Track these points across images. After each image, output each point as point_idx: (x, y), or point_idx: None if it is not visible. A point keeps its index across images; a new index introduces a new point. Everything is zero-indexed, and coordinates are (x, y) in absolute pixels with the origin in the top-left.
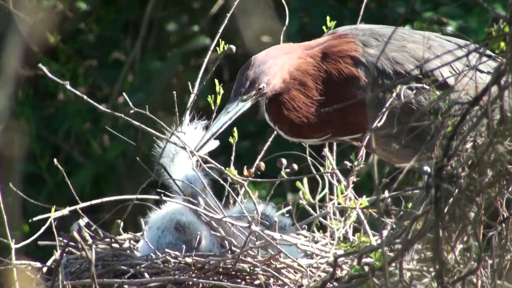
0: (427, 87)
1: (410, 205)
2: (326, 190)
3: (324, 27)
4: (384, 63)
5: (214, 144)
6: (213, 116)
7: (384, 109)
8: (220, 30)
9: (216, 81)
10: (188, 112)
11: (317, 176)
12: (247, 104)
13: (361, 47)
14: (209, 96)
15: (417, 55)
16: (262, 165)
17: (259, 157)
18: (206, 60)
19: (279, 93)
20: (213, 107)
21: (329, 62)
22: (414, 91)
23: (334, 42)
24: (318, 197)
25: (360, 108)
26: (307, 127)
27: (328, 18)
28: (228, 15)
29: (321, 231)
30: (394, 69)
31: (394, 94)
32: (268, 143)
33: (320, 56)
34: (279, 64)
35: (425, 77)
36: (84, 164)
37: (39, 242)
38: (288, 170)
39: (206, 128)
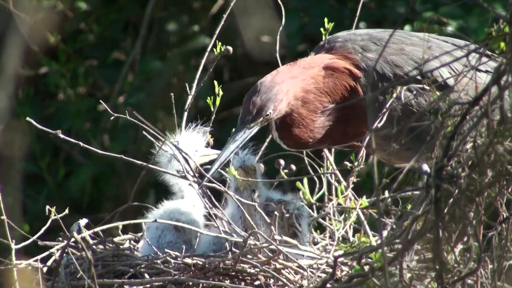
0: (427, 87)
1: (409, 206)
2: (324, 188)
3: (322, 29)
4: (384, 67)
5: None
6: (212, 117)
7: (384, 110)
8: (218, 30)
9: (216, 82)
10: (186, 114)
11: (316, 177)
12: (254, 130)
13: (359, 57)
14: (209, 98)
15: (416, 57)
16: (262, 166)
17: (257, 157)
18: (203, 60)
19: (286, 114)
20: (212, 109)
21: (329, 79)
22: (414, 92)
23: (332, 61)
24: (316, 196)
25: (361, 120)
26: (311, 140)
27: (326, 20)
28: (225, 15)
29: (318, 231)
30: (394, 72)
31: (394, 95)
32: (266, 143)
33: (321, 75)
34: (285, 89)
35: (425, 78)
36: (84, 164)
37: (39, 242)
38: (286, 170)
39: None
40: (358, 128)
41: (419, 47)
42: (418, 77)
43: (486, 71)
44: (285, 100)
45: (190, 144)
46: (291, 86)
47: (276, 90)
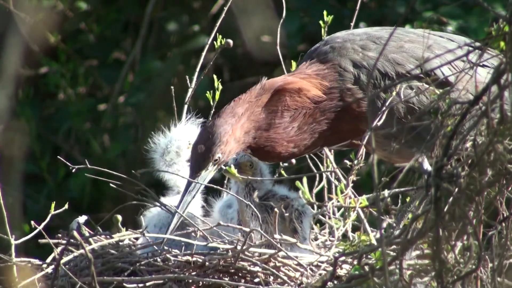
0: (426, 86)
1: (408, 199)
2: (324, 186)
3: (321, 22)
4: (385, 65)
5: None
6: (211, 112)
7: (384, 108)
8: (217, 25)
9: (215, 76)
10: (186, 107)
11: (317, 175)
12: (209, 177)
13: (360, 56)
14: (208, 92)
15: (416, 55)
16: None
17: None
18: (203, 54)
19: (247, 145)
20: (211, 103)
21: (284, 100)
22: (414, 90)
23: (283, 84)
24: (315, 190)
25: (355, 116)
26: (297, 149)
27: (325, 12)
28: (224, 12)
29: (317, 224)
30: (396, 70)
31: (394, 93)
32: None
33: (272, 99)
34: (229, 130)
35: (426, 76)
36: (84, 164)
37: (39, 240)
38: (286, 164)
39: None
40: (352, 124)
41: (418, 43)
42: (421, 75)
43: (484, 65)
44: (232, 141)
45: (184, 136)
46: (235, 125)
47: (219, 133)
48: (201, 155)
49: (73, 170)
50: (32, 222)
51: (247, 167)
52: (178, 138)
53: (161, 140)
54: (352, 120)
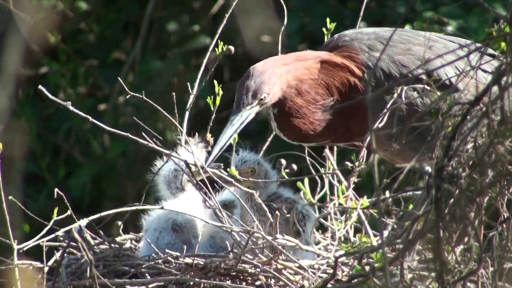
0: (429, 88)
1: (411, 206)
2: (326, 188)
3: (324, 29)
4: (391, 66)
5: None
6: (212, 117)
7: (385, 110)
8: (219, 30)
9: (215, 82)
10: (187, 113)
11: (317, 177)
12: (251, 115)
13: (366, 56)
14: (209, 98)
15: (422, 58)
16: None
17: (258, 156)
18: (205, 60)
19: (281, 102)
20: (212, 108)
21: (325, 73)
22: (416, 91)
23: (329, 56)
24: (317, 196)
25: (366, 118)
26: (312, 132)
27: (328, 20)
28: (227, 15)
29: (320, 231)
30: (401, 72)
31: (395, 95)
32: (268, 143)
33: (316, 67)
34: (278, 73)
35: (430, 77)
36: (84, 164)
37: (40, 243)
38: (288, 170)
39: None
40: (362, 126)
41: (425, 46)
42: (424, 76)
43: (485, 71)
44: (278, 84)
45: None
46: (284, 72)
47: (269, 73)
48: (250, 91)
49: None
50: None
51: (248, 174)
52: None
53: (163, 167)
54: (362, 122)
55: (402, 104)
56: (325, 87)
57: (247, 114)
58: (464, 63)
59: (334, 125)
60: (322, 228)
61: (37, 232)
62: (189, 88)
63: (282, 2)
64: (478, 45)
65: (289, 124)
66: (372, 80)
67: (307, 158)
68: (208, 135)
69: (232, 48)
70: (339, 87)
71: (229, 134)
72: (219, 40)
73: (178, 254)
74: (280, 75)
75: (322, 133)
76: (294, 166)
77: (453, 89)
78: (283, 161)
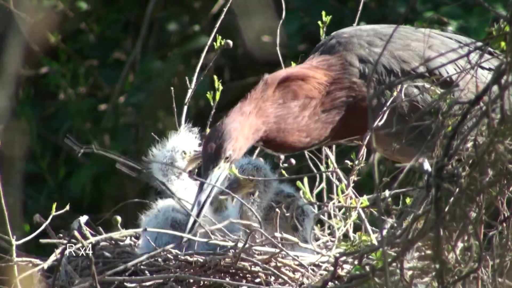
0: (428, 85)
1: (408, 200)
2: (323, 184)
3: (319, 22)
4: (391, 62)
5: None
6: (212, 112)
7: (385, 108)
8: (217, 25)
9: (215, 77)
10: (185, 108)
11: (317, 175)
12: (222, 175)
13: (366, 52)
14: (208, 92)
15: (421, 54)
16: (261, 160)
17: (256, 152)
18: (203, 54)
19: (266, 140)
20: (212, 103)
21: (285, 90)
22: (415, 89)
23: (286, 75)
24: (315, 191)
25: (364, 112)
26: (309, 139)
27: (323, 13)
28: (225, 9)
29: (318, 225)
30: (401, 68)
31: (395, 93)
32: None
33: (272, 94)
34: (238, 127)
35: (430, 75)
36: (84, 164)
37: (41, 240)
38: (286, 165)
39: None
40: (361, 121)
41: (424, 42)
42: (426, 74)
43: (489, 69)
44: (241, 138)
45: (179, 146)
46: (244, 123)
47: (228, 130)
48: (212, 152)
49: (81, 152)
50: (37, 216)
51: (246, 181)
52: (173, 149)
53: (157, 153)
54: (360, 116)
55: (402, 102)
56: (293, 99)
57: (216, 176)
58: (464, 61)
59: (330, 122)
60: (321, 223)
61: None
62: (188, 82)
63: (282, 2)
64: (479, 43)
65: (280, 145)
66: (374, 75)
67: (307, 156)
68: (208, 131)
69: (230, 42)
70: (312, 89)
71: (202, 199)
72: (217, 35)
73: (177, 251)
74: (241, 128)
75: (320, 133)
76: (293, 161)
77: (453, 86)
78: (282, 156)
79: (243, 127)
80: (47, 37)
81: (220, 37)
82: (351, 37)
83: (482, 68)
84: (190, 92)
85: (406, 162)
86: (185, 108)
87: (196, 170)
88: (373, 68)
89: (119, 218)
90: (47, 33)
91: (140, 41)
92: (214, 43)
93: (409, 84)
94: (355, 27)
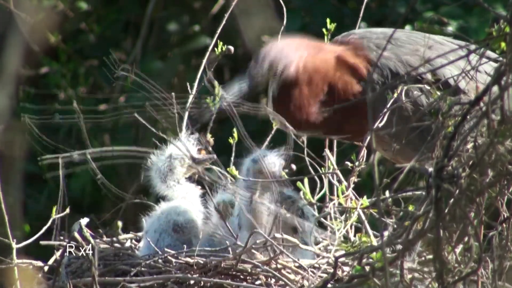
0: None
1: (411, 207)
2: (326, 188)
3: (324, 30)
4: (398, 66)
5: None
6: (212, 117)
7: (385, 109)
8: (219, 30)
9: (216, 82)
10: (187, 113)
11: (317, 177)
12: (259, 83)
13: (374, 55)
14: (208, 98)
15: (430, 60)
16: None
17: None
18: (204, 60)
19: (289, 83)
20: (212, 108)
21: (338, 71)
22: (415, 92)
23: (344, 53)
24: (317, 197)
25: (361, 118)
26: (305, 123)
27: (328, 20)
28: (227, 14)
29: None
30: (408, 72)
31: (395, 94)
32: (266, 142)
33: (331, 63)
34: (298, 55)
35: (434, 80)
36: (84, 164)
37: (41, 242)
38: (287, 170)
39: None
40: (355, 126)
41: (435, 50)
42: (429, 76)
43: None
44: (294, 64)
45: (179, 153)
46: (302, 54)
47: (289, 50)
48: (266, 62)
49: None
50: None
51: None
52: (171, 156)
53: (155, 160)
54: (359, 119)
55: (403, 103)
56: (329, 86)
57: (256, 82)
58: (464, 61)
59: (327, 120)
60: (322, 227)
61: (37, 232)
62: (189, 88)
63: (281, 2)
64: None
65: (285, 109)
66: (380, 78)
67: (306, 158)
68: (208, 135)
69: (231, 48)
70: (339, 91)
71: (241, 85)
72: (218, 40)
73: (178, 251)
74: (299, 56)
75: (312, 125)
76: (294, 166)
77: (453, 88)
78: (294, 166)
79: (301, 57)
80: (47, 37)
81: (221, 43)
82: (361, 38)
83: (479, 71)
84: (191, 98)
85: (406, 162)
86: (186, 113)
87: (196, 175)
88: (372, 69)
89: (120, 223)
90: (47, 33)
91: (140, 41)
92: (216, 49)
93: (409, 87)
94: (366, 29)
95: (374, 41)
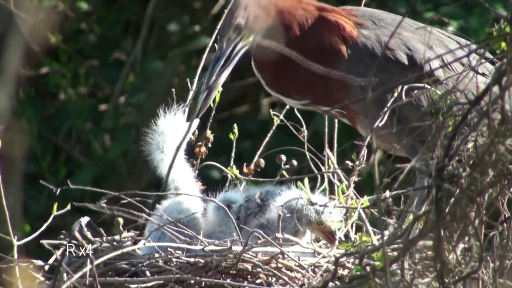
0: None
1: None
2: (325, 185)
3: None
4: (375, 45)
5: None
6: (212, 113)
7: (386, 109)
8: (217, 29)
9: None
10: (186, 110)
11: (318, 176)
12: (238, 48)
13: (364, 25)
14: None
15: (410, 45)
16: (262, 161)
17: (258, 153)
18: (204, 57)
19: (266, 36)
20: (212, 105)
21: (318, 25)
22: (415, 92)
23: (333, 13)
24: (317, 192)
25: (343, 86)
26: (288, 83)
27: None
28: (225, 14)
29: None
30: (384, 54)
31: (395, 94)
32: (267, 138)
33: (314, 14)
34: (264, 1)
35: (429, 76)
36: (85, 164)
37: (41, 241)
38: (288, 166)
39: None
40: (340, 93)
41: (417, 35)
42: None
43: (483, 74)
44: (256, 6)
45: (173, 128)
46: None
47: (246, 2)
48: (227, 21)
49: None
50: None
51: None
52: (168, 129)
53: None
54: (341, 88)
55: (400, 102)
56: (309, 39)
57: (228, 49)
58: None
59: (311, 81)
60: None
61: (37, 232)
62: (189, 84)
63: None
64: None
65: (264, 60)
66: (354, 54)
67: (308, 155)
68: (208, 132)
69: None
70: (321, 43)
71: (211, 83)
72: (218, 36)
73: (179, 252)
74: (268, 2)
75: (298, 87)
76: (295, 162)
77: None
78: (283, 157)
79: (271, 2)
80: (48, 37)
81: None
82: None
83: (478, 73)
84: (191, 94)
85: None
86: (186, 109)
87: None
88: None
89: (121, 220)
90: (48, 33)
91: (140, 41)
92: (215, 45)
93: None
94: (353, 7)
95: (371, 16)
